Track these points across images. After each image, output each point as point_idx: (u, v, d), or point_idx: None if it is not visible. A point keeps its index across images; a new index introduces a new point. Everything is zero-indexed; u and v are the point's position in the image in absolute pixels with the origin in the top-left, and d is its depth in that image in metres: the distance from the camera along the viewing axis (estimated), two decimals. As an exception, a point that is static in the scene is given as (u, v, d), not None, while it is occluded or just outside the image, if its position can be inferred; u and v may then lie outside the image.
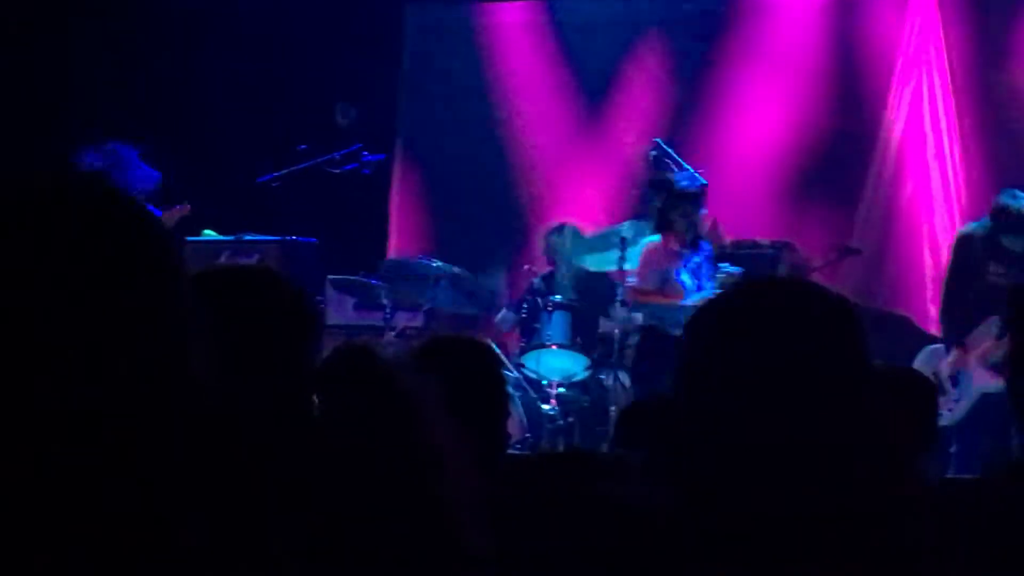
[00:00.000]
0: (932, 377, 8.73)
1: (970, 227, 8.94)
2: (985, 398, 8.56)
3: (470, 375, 3.66)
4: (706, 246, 9.28)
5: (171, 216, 8.96)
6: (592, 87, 11.67)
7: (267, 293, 2.53)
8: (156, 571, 1.19)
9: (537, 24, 11.87)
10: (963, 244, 8.83)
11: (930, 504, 1.70)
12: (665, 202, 9.11)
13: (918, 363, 8.88)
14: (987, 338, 8.57)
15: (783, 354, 1.71)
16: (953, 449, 8.73)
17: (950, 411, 8.68)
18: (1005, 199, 8.65)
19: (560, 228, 10.26)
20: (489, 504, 2.29)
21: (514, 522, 2.72)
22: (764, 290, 1.89)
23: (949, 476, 8.43)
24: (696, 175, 9.48)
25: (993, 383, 8.51)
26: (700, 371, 1.77)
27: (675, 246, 9.10)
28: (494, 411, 3.77)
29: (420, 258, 10.02)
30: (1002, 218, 8.58)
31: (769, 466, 1.65)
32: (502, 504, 2.77)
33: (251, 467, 1.39)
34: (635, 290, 9.18)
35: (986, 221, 8.75)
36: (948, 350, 8.76)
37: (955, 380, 8.69)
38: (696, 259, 9.19)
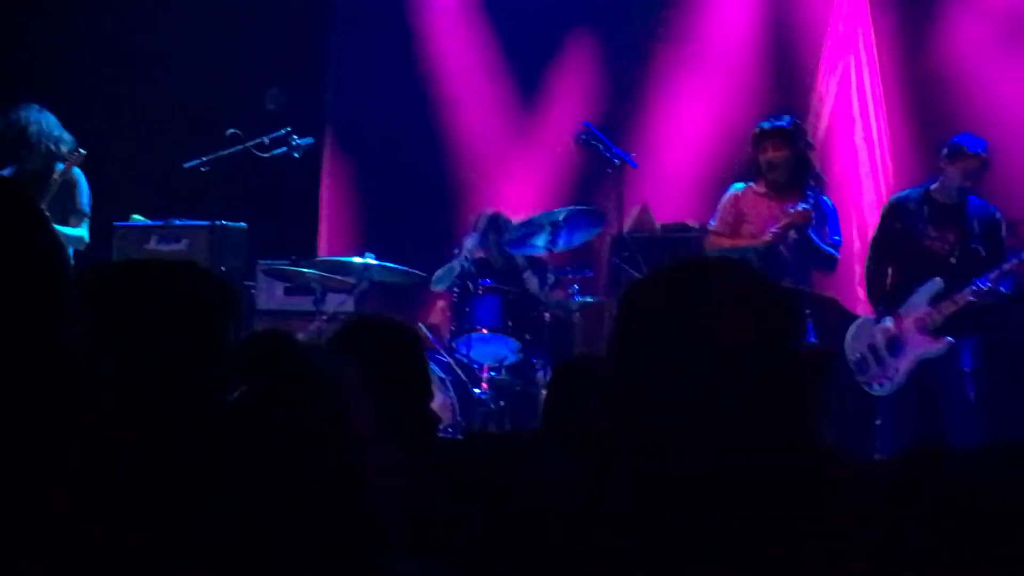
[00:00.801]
0: (868, 349, 8.82)
1: (903, 193, 8.95)
2: (922, 364, 8.62)
3: (391, 356, 3.66)
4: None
5: (70, 165, 8.87)
6: (526, 73, 11.66)
7: (187, 282, 2.51)
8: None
9: (469, 7, 11.85)
10: (898, 210, 8.83)
11: (830, 476, 1.72)
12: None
13: (850, 338, 8.94)
14: (923, 304, 8.61)
15: (703, 331, 1.72)
16: (879, 421, 8.79)
17: (889, 379, 8.73)
18: (958, 138, 8.70)
19: (489, 217, 10.24)
20: (416, 483, 2.29)
21: (437, 501, 2.73)
22: (690, 269, 1.90)
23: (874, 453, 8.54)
24: (627, 158, 9.51)
25: (933, 348, 8.58)
26: (628, 344, 1.78)
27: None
28: (416, 390, 3.77)
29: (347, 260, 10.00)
30: (956, 150, 8.60)
31: (681, 434, 1.66)
32: (428, 483, 2.78)
33: (149, 450, 1.38)
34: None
35: (918, 188, 8.78)
36: (879, 320, 8.79)
37: (892, 349, 8.72)
38: None
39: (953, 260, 8.56)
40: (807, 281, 8.90)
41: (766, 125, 8.88)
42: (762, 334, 1.74)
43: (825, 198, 8.97)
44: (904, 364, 8.68)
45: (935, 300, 8.56)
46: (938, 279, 8.55)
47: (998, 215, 8.69)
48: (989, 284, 8.41)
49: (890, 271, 8.86)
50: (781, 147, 8.76)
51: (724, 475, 1.66)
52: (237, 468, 1.91)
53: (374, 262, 9.57)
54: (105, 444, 1.65)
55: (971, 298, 8.45)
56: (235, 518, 1.87)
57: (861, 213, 10.59)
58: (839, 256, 8.96)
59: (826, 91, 10.71)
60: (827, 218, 8.86)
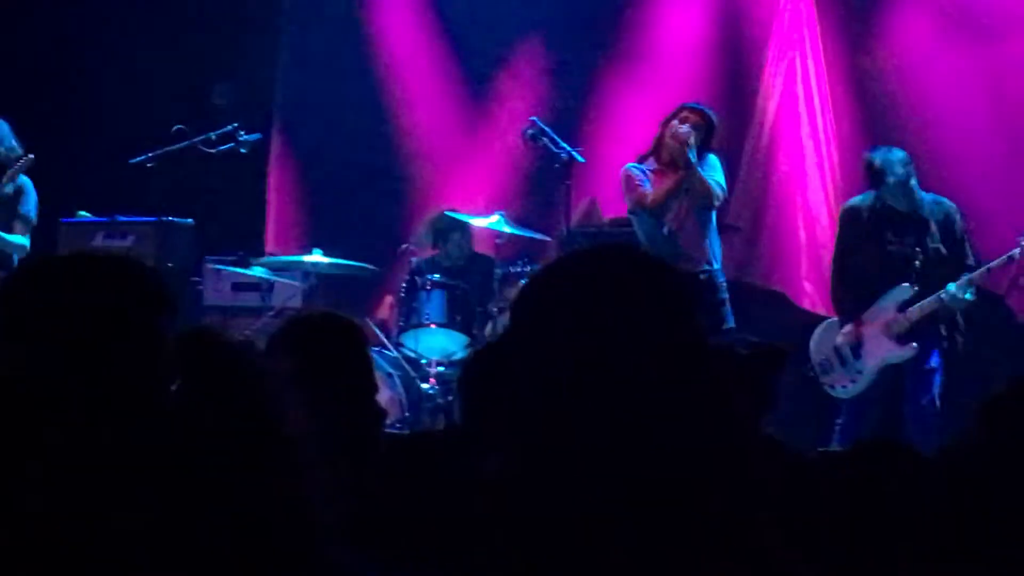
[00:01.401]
0: (833, 352, 8.87)
1: (856, 200, 8.98)
2: (884, 370, 8.67)
3: (331, 351, 3.67)
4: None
5: (16, 170, 8.82)
6: (475, 70, 11.66)
7: (121, 277, 2.51)
8: None
9: (420, 6, 11.83)
10: (852, 217, 8.87)
11: (769, 469, 1.74)
12: None
13: (816, 339, 8.97)
14: (890, 309, 8.65)
15: (609, 321, 1.72)
16: (840, 421, 8.83)
17: (853, 382, 8.77)
18: (871, 156, 8.77)
19: (443, 217, 10.25)
20: (355, 479, 2.30)
21: (379, 498, 2.74)
22: (589, 259, 1.91)
23: (829, 448, 8.58)
24: (574, 153, 9.53)
25: (898, 352, 8.63)
26: (529, 336, 1.78)
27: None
28: (360, 386, 3.78)
29: (299, 257, 9.96)
30: (872, 174, 8.68)
31: (592, 431, 1.67)
32: (367, 479, 2.79)
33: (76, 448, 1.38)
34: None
35: (870, 194, 8.83)
36: (843, 324, 8.83)
37: (857, 352, 8.76)
38: None
39: (918, 263, 8.59)
40: (716, 259, 8.82)
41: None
42: (655, 319, 1.75)
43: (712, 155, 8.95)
44: (868, 368, 8.73)
45: (903, 306, 8.60)
46: (906, 284, 8.58)
47: (952, 209, 8.74)
48: (955, 292, 8.45)
49: (852, 274, 8.87)
50: (697, 118, 8.79)
51: (660, 460, 1.67)
52: (168, 466, 1.91)
53: (322, 259, 9.56)
54: (30, 445, 1.65)
55: (937, 307, 8.51)
56: (167, 516, 1.87)
57: (808, 208, 10.64)
58: (723, 196, 8.88)
59: (772, 87, 10.75)
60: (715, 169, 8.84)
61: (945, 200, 8.81)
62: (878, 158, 8.71)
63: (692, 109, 8.87)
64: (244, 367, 2.00)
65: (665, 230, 8.67)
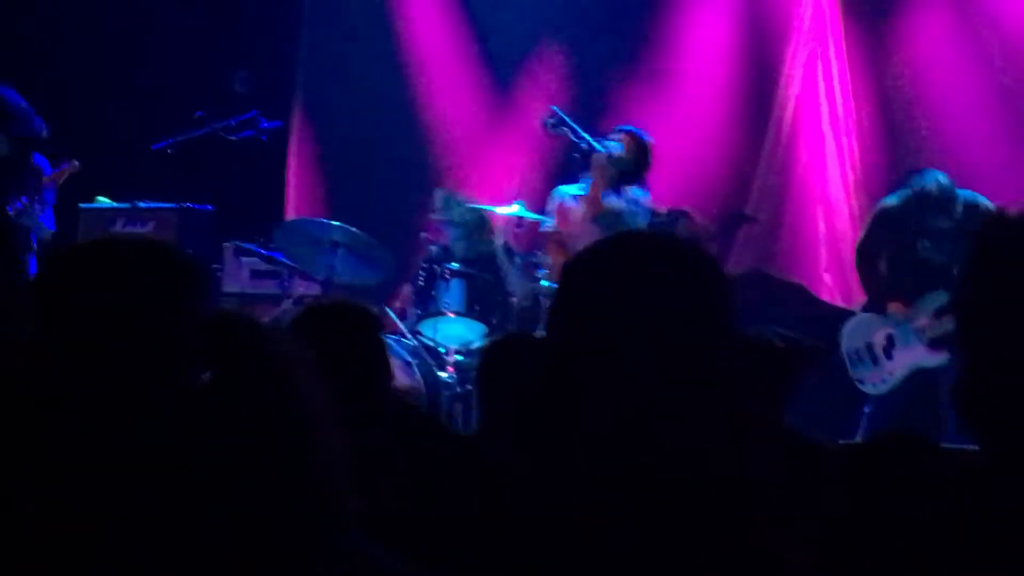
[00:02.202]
0: (866, 348, 8.82)
1: (892, 201, 8.89)
2: (917, 374, 8.63)
3: (348, 340, 3.68)
4: None
5: (60, 175, 8.85)
6: (501, 58, 11.65)
7: (154, 261, 2.51)
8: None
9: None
10: (888, 219, 8.80)
11: (783, 464, 1.74)
12: None
13: (849, 330, 8.92)
14: (925, 314, 8.60)
15: (647, 308, 1.72)
16: (868, 409, 8.77)
17: (883, 382, 8.72)
18: (923, 182, 8.66)
19: (445, 192, 10.25)
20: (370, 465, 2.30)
21: (392, 483, 2.75)
22: (635, 244, 1.90)
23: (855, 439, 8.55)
24: (594, 142, 9.51)
25: (931, 359, 8.57)
26: (569, 320, 1.78)
27: None
28: (374, 374, 3.78)
29: (318, 220, 9.92)
30: (925, 201, 8.59)
31: (625, 420, 1.67)
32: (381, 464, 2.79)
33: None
34: None
35: (907, 195, 8.73)
36: (881, 321, 8.75)
37: (889, 353, 8.72)
38: None
39: (955, 271, 8.49)
40: None
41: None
42: (698, 309, 1.75)
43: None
44: (899, 370, 8.68)
45: (938, 312, 8.54)
46: (943, 291, 8.51)
47: (987, 207, 8.61)
48: None
49: (885, 271, 8.80)
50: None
51: (665, 457, 1.67)
52: (200, 451, 1.92)
53: (340, 225, 9.52)
54: (71, 432, 1.65)
55: None
56: (199, 501, 1.88)
57: (827, 199, 10.62)
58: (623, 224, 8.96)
59: (793, 78, 10.73)
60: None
61: (980, 198, 8.69)
62: (921, 185, 8.61)
63: (628, 133, 9.10)
64: (273, 353, 2.01)
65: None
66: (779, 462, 1.73)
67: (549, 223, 9.24)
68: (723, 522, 1.66)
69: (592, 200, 8.84)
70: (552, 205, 9.20)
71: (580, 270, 1.84)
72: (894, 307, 8.71)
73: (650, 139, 9.05)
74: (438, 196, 10.14)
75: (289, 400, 2.00)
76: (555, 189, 9.27)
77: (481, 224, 10.03)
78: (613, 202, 8.78)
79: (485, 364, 4.38)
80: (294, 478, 1.97)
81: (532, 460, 1.70)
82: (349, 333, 3.73)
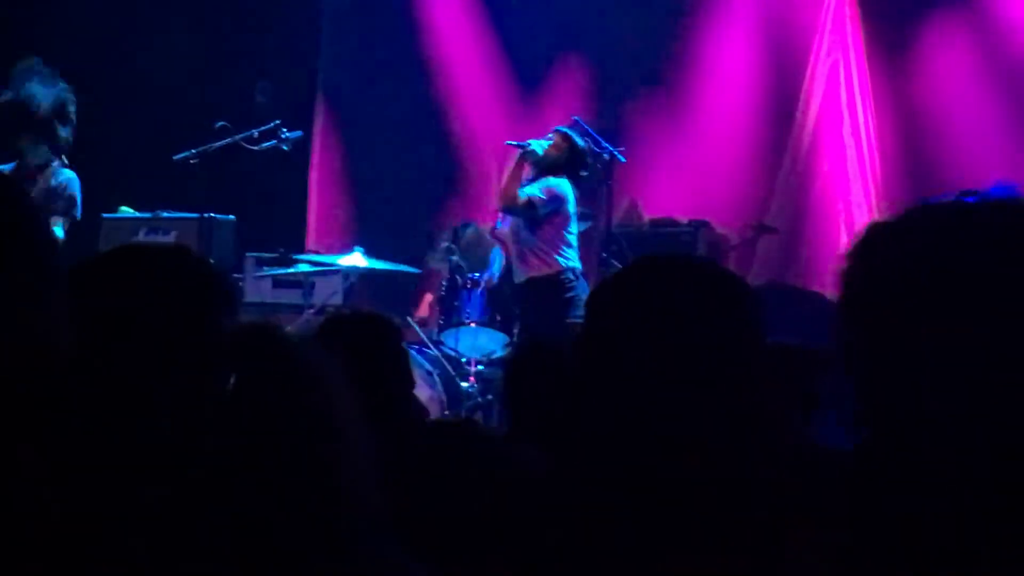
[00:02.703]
0: None
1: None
2: None
3: (370, 350, 3.69)
4: None
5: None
6: (523, 70, 11.68)
7: (180, 270, 2.52)
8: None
9: (467, 6, 11.86)
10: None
11: (807, 470, 1.75)
12: None
13: None
14: None
15: (676, 330, 1.74)
16: None
17: None
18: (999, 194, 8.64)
19: (464, 226, 10.32)
20: (394, 472, 2.31)
21: (416, 492, 2.76)
22: (662, 267, 1.92)
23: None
24: (616, 152, 9.52)
25: None
26: (597, 342, 1.79)
27: None
28: (396, 384, 3.80)
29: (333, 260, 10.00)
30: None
31: (655, 434, 1.68)
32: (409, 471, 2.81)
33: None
34: None
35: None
36: None
37: None
38: None
39: None
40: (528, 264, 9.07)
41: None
42: (727, 330, 1.76)
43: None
44: None
45: None
46: None
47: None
48: None
49: None
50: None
51: (690, 470, 1.68)
52: (227, 459, 1.94)
53: (362, 261, 9.58)
54: (97, 438, 1.67)
55: None
56: (226, 510, 1.89)
57: (848, 208, 10.62)
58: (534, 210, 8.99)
59: (815, 88, 10.73)
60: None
61: (1016, 192, 8.71)
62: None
63: (561, 134, 9.20)
64: (301, 360, 2.02)
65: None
66: (805, 471, 1.74)
67: (500, 224, 9.42)
68: (762, 527, 1.67)
69: (500, 191, 9.04)
70: None
71: (608, 292, 1.85)
72: None
73: (583, 143, 9.12)
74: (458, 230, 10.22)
75: (317, 407, 2.01)
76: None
77: (477, 240, 10.12)
78: (527, 192, 8.89)
79: (513, 369, 4.40)
80: (321, 484, 1.98)
81: (565, 475, 1.71)
82: (371, 343, 3.75)
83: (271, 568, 1.93)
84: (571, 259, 9.02)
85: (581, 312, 7.47)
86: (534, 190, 8.92)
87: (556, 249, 8.99)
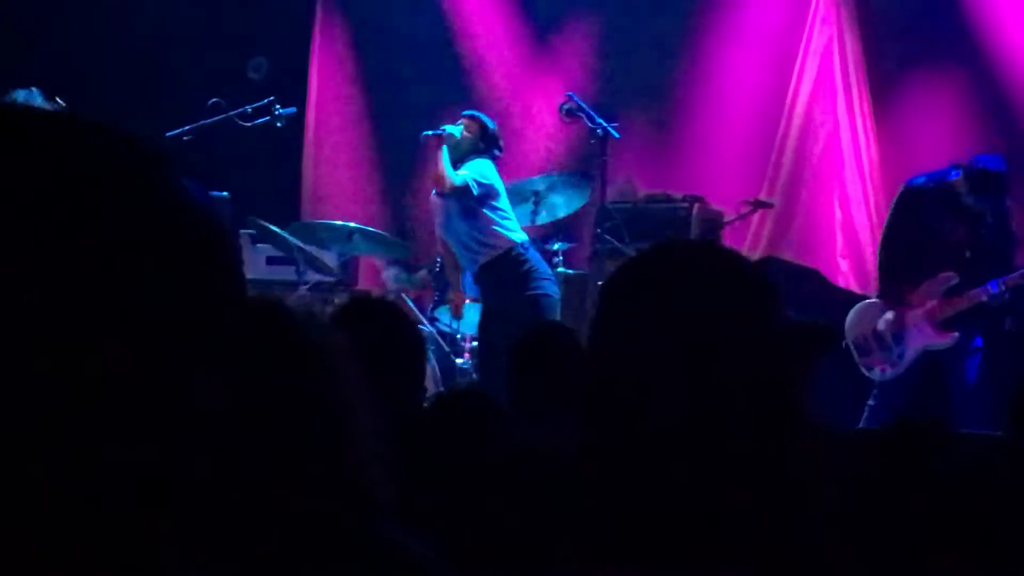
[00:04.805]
0: (872, 334, 8.80)
1: (921, 180, 8.79)
2: (925, 356, 8.60)
3: (385, 338, 3.68)
4: None
5: None
6: (530, 40, 11.67)
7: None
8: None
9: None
10: (916, 198, 8.68)
11: (823, 455, 1.74)
12: None
13: (854, 317, 8.88)
14: (934, 295, 8.55)
15: (692, 317, 1.72)
16: (871, 402, 8.75)
17: (893, 367, 8.69)
18: (985, 162, 8.56)
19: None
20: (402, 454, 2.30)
21: (426, 469, 2.75)
22: (677, 252, 1.90)
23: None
24: (610, 128, 9.50)
25: (939, 341, 8.55)
26: (611, 330, 1.78)
27: None
28: (409, 374, 3.79)
29: (331, 222, 9.96)
30: (978, 178, 8.46)
31: (672, 424, 1.67)
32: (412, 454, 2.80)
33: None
34: None
35: (943, 176, 8.62)
36: (889, 306, 8.72)
37: (898, 337, 8.68)
38: None
39: (968, 254, 8.48)
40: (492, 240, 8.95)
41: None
42: (746, 315, 1.75)
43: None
44: (909, 353, 8.64)
45: (948, 294, 8.51)
46: (952, 274, 8.47)
47: (1006, 205, 8.59)
48: (1002, 288, 8.35)
49: (901, 259, 8.76)
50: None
51: (710, 455, 1.67)
52: (228, 438, 1.92)
53: (355, 226, 9.55)
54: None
55: (983, 299, 8.42)
56: (224, 490, 1.88)
57: (843, 184, 10.60)
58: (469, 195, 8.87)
59: (808, 63, 10.71)
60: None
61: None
62: (993, 167, 8.49)
63: (470, 117, 9.14)
64: (307, 336, 2.01)
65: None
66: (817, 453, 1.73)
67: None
68: (783, 512, 1.66)
69: (434, 177, 8.91)
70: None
71: (623, 277, 1.84)
72: (889, 317, 8.68)
73: (493, 124, 9.08)
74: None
75: (323, 385, 2.00)
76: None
77: None
78: (463, 178, 8.82)
79: (520, 350, 4.40)
80: (327, 463, 1.97)
81: (602, 446, 1.70)
82: (387, 331, 3.74)
83: (273, 549, 1.91)
84: (515, 231, 8.90)
85: (540, 283, 7.50)
86: (468, 175, 8.84)
87: (498, 228, 8.86)
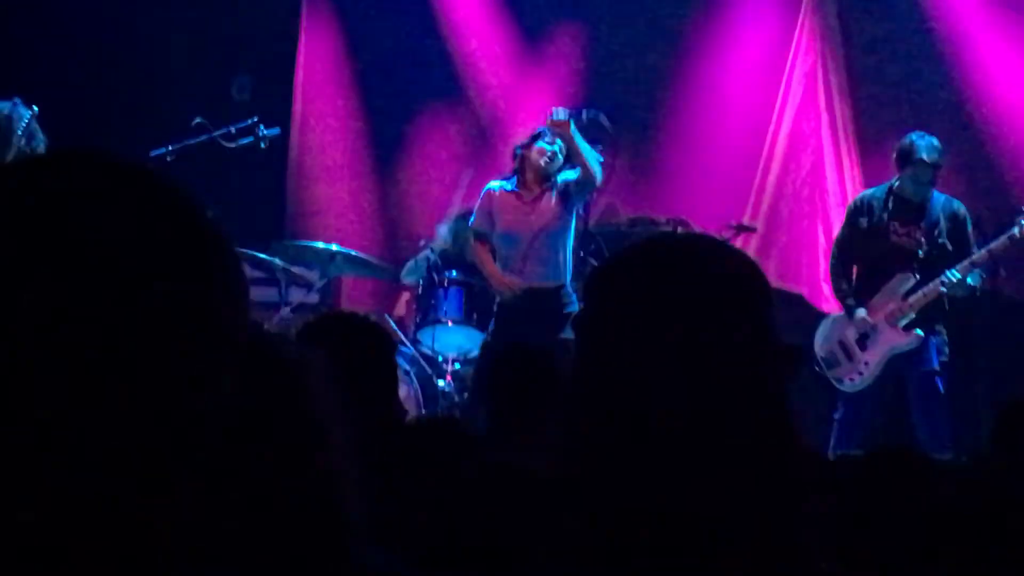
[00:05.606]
0: (838, 345, 8.87)
1: (868, 191, 9.05)
2: (891, 361, 8.68)
3: (358, 351, 3.67)
4: None
5: None
6: (507, 57, 11.68)
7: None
8: None
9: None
10: (862, 207, 8.90)
11: (815, 472, 1.73)
12: None
13: (820, 334, 8.98)
14: (893, 298, 8.66)
15: (685, 312, 1.69)
16: (837, 415, 8.83)
17: (860, 375, 8.78)
18: (905, 138, 8.74)
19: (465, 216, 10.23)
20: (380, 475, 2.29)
21: (402, 489, 2.74)
22: (667, 247, 1.87)
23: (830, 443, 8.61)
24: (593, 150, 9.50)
25: (903, 342, 8.65)
26: (599, 330, 1.75)
27: None
28: (382, 387, 3.78)
29: (313, 244, 9.93)
30: (900, 155, 8.65)
31: (662, 431, 1.65)
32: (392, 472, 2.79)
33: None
34: None
35: (883, 186, 8.85)
36: (849, 315, 8.83)
37: (863, 343, 8.77)
38: None
39: (921, 254, 8.64)
40: (564, 276, 8.89)
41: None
42: (741, 312, 1.72)
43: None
44: (874, 359, 8.73)
45: (906, 294, 8.63)
46: (908, 273, 8.61)
47: (963, 211, 8.76)
48: (958, 276, 8.48)
49: (856, 267, 8.91)
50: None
51: (702, 467, 1.66)
52: (203, 460, 1.91)
53: (339, 249, 9.54)
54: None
55: (941, 289, 8.52)
56: (201, 514, 1.86)
57: (826, 208, 10.62)
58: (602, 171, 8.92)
59: (793, 86, 10.73)
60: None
61: (956, 201, 8.82)
62: (909, 138, 8.71)
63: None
64: (282, 357, 1.99)
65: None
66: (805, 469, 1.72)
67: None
68: (773, 532, 1.65)
69: (585, 167, 8.74)
70: (484, 200, 9.08)
71: (612, 275, 1.81)
72: (861, 317, 8.78)
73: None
74: (442, 230, 10.16)
75: (302, 408, 1.99)
76: (489, 184, 9.17)
77: None
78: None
79: (495, 370, 4.39)
80: (301, 484, 1.96)
81: (592, 468, 1.68)
82: (359, 345, 3.73)
83: (248, 568, 1.90)
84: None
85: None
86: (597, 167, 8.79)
87: (570, 258, 8.97)
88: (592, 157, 8.70)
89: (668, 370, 1.64)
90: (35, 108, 8.49)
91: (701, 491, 1.64)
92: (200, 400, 1.18)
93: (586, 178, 8.69)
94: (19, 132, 8.52)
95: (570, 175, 8.78)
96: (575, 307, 8.67)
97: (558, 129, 8.68)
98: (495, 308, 8.94)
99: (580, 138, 8.71)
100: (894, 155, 8.77)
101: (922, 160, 8.58)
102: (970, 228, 8.73)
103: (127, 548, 1.15)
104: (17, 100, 8.63)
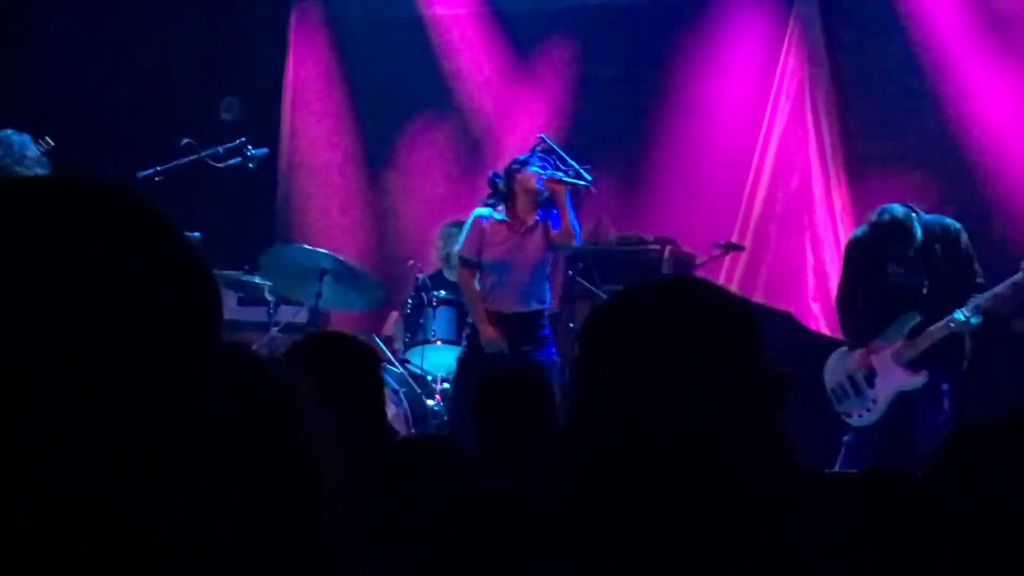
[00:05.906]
0: (847, 379, 8.87)
1: (860, 231, 8.95)
2: (901, 396, 8.67)
3: (345, 372, 3.68)
4: None
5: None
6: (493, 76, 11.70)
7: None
8: None
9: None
10: (859, 248, 8.83)
11: (816, 502, 1.74)
12: None
13: (831, 364, 8.96)
14: (898, 337, 8.63)
15: (677, 356, 1.71)
16: (847, 438, 8.82)
17: (868, 411, 8.78)
18: (880, 213, 8.66)
19: (457, 224, 10.21)
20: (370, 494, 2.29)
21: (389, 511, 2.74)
22: (658, 290, 1.89)
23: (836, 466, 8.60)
24: (582, 170, 9.50)
25: (909, 380, 8.62)
26: (594, 374, 1.77)
27: None
28: (370, 406, 3.78)
29: (305, 247, 9.87)
30: (885, 231, 8.59)
31: (659, 469, 1.66)
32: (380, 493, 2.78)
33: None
34: None
35: (870, 225, 8.76)
36: (856, 352, 8.82)
37: (871, 381, 8.76)
38: None
39: (925, 291, 8.58)
40: (547, 299, 9.00)
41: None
42: (733, 353, 1.74)
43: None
44: (882, 396, 8.72)
45: (911, 333, 8.59)
46: (915, 313, 8.57)
47: (954, 228, 8.68)
48: (964, 317, 8.43)
49: (861, 304, 8.86)
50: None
51: (701, 498, 1.66)
52: (192, 483, 1.90)
53: (331, 258, 9.49)
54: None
55: (951, 326, 8.47)
56: (185, 528, 1.86)
57: (814, 228, 10.63)
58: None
59: (780, 105, 10.75)
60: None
61: (947, 219, 8.76)
62: (886, 217, 8.58)
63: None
64: (271, 382, 1.99)
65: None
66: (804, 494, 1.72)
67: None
68: (773, 554, 1.65)
69: (566, 232, 8.80)
70: (474, 228, 9.04)
71: (605, 321, 1.82)
72: (857, 355, 8.79)
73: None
74: (443, 231, 10.15)
75: (290, 432, 1.98)
76: (476, 211, 9.13)
77: None
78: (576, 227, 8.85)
79: (484, 387, 4.40)
80: (292, 510, 1.95)
81: (583, 491, 1.69)
82: (346, 364, 3.73)
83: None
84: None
85: (553, 348, 7.37)
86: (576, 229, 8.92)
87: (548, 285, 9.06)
88: (574, 222, 8.79)
89: (671, 385, 1.66)
90: (48, 140, 8.53)
91: (697, 500, 1.65)
92: (200, 400, 1.20)
93: (565, 240, 8.82)
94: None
95: (552, 223, 8.86)
96: (548, 331, 8.85)
97: (553, 186, 8.78)
98: (468, 324, 8.96)
99: (570, 202, 8.79)
100: (872, 224, 8.65)
101: (899, 237, 8.52)
102: (965, 242, 8.65)
103: (127, 548, 1.16)
104: (25, 135, 8.64)
